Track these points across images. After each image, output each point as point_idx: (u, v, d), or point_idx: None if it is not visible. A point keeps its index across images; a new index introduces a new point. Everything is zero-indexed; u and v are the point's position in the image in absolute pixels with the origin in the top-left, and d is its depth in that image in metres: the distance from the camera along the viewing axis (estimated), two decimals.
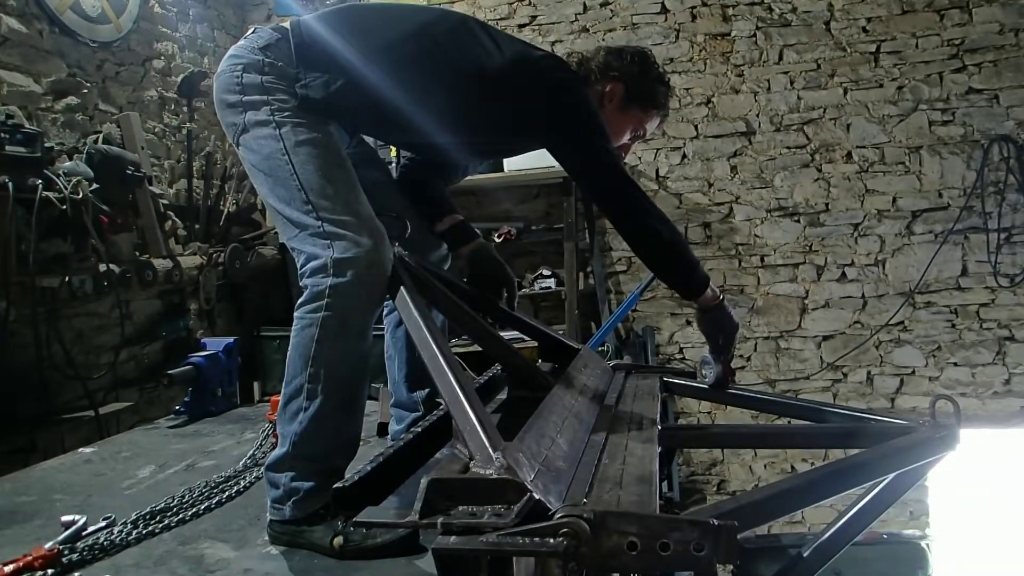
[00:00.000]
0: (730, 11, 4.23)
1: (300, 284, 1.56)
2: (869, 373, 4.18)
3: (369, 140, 2.11)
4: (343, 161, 1.63)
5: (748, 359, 4.28)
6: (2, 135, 2.51)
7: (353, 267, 1.49)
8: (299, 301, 1.54)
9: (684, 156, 4.31)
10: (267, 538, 1.57)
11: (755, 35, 4.20)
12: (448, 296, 1.72)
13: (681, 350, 4.36)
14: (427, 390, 1.98)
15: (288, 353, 1.55)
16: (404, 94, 1.64)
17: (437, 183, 2.00)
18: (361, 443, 1.63)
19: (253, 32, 1.68)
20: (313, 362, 1.50)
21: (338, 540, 1.44)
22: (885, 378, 4.16)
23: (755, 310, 4.26)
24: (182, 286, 3.54)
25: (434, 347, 1.31)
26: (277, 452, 1.54)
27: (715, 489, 4.37)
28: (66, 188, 2.65)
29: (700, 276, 1.71)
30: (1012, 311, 3.99)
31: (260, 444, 2.31)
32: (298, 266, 1.57)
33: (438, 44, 1.67)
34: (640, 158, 4.33)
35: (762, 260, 4.25)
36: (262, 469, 2.07)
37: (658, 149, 4.32)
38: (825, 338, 4.21)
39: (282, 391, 1.55)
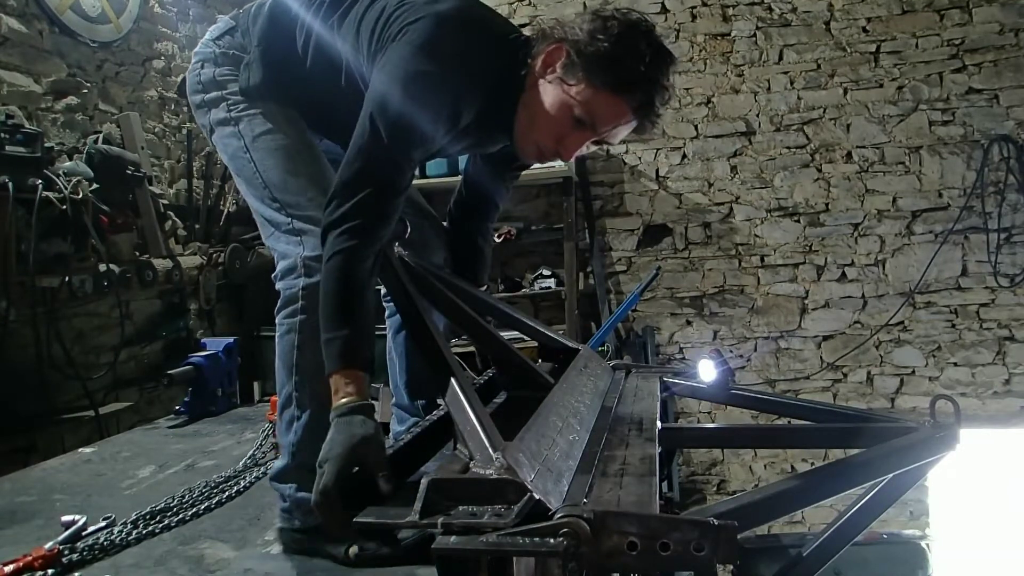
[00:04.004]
0: (730, 11, 4.23)
1: (275, 288, 1.48)
2: (869, 373, 4.18)
3: None
4: (307, 147, 1.52)
5: (748, 359, 4.28)
6: (2, 135, 2.51)
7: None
8: (277, 307, 1.47)
9: (684, 156, 4.31)
10: (279, 545, 1.54)
11: (755, 35, 4.20)
12: (448, 297, 1.72)
13: (681, 350, 4.36)
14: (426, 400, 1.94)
15: (275, 363, 1.49)
16: (344, 45, 1.45)
17: (483, 230, 1.83)
18: None
19: (212, 26, 1.61)
20: (296, 370, 1.44)
21: (353, 549, 1.41)
22: (885, 378, 4.16)
23: (755, 310, 4.26)
24: (182, 286, 3.54)
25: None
26: (279, 463, 1.50)
27: (715, 489, 4.37)
28: (66, 188, 2.65)
29: (334, 350, 1.19)
30: (1012, 311, 3.99)
31: (260, 444, 2.31)
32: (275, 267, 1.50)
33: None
34: (640, 158, 4.33)
35: (762, 260, 4.25)
36: (263, 470, 2.08)
37: (658, 149, 4.32)
38: (825, 338, 4.21)
39: (277, 401, 1.52)
